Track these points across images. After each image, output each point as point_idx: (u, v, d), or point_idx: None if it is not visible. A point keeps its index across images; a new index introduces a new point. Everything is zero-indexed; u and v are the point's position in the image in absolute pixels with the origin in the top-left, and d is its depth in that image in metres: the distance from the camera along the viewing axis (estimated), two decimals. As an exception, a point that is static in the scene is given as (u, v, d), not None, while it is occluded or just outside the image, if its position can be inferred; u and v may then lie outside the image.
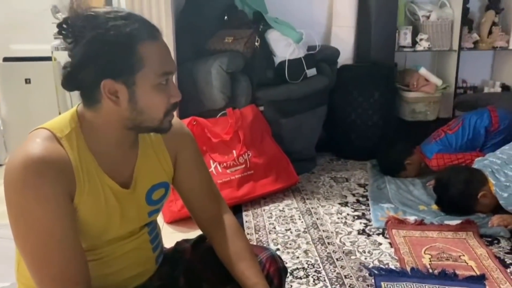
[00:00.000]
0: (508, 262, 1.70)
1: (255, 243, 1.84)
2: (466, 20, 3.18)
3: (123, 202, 0.90)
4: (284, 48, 2.64)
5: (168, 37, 2.37)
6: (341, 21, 3.16)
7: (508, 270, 1.64)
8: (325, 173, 2.71)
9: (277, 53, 2.64)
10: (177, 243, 1.13)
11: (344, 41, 3.12)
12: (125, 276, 0.95)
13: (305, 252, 1.80)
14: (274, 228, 2.02)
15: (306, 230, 1.99)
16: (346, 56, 3.12)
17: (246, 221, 2.08)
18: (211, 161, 2.21)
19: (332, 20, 3.20)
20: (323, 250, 1.81)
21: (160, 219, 1.97)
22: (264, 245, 1.84)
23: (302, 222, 2.07)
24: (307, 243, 1.88)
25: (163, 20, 2.35)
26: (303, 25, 2.86)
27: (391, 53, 3.04)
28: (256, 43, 2.50)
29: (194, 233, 1.15)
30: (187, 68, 2.55)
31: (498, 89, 3.29)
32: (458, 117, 2.65)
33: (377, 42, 3.01)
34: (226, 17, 2.76)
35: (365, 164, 2.84)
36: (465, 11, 3.14)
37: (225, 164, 2.24)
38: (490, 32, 3.21)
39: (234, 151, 2.28)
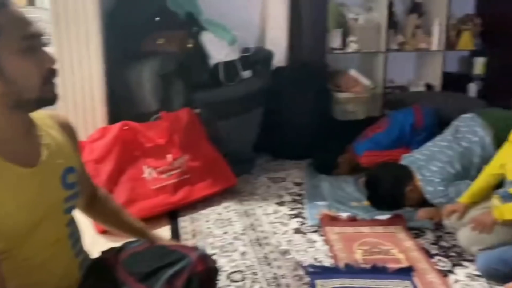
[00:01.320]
0: (432, 253, 1.80)
1: (203, 250, 1.81)
2: (392, 23, 3.34)
3: (32, 183, 0.87)
4: (218, 50, 2.63)
5: (95, 38, 2.28)
6: (274, 23, 3.20)
7: (433, 260, 1.74)
8: (263, 174, 2.73)
9: (212, 55, 2.62)
10: (103, 252, 1.09)
11: (277, 43, 3.16)
12: (46, 285, 0.91)
13: (242, 254, 1.80)
14: (212, 232, 2.00)
15: (244, 232, 1.99)
16: (280, 58, 3.16)
17: (183, 227, 2.05)
18: (145, 167, 2.15)
19: (266, 23, 3.24)
20: (260, 251, 1.82)
21: (91, 230, 1.89)
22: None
23: (240, 224, 2.07)
24: (244, 245, 1.88)
25: (90, 21, 2.25)
26: (238, 27, 2.87)
27: (323, 55, 3.13)
28: (189, 45, 2.47)
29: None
30: (118, 70, 2.47)
31: (423, 88, 3.49)
32: (386, 116, 2.78)
33: (309, 44, 3.08)
34: (158, 19, 2.70)
35: (302, 163, 2.90)
36: (391, 14, 3.30)
37: (160, 169, 2.19)
38: (414, 34, 3.40)
39: (169, 156, 2.23)
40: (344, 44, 3.24)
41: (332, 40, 3.22)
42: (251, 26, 3.26)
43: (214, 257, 1.72)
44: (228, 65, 2.62)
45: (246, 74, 2.73)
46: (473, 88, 3.51)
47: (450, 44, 3.42)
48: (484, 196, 1.85)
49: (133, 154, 2.16)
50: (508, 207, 1.68)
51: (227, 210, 2.23)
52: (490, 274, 1.57)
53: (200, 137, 2.39)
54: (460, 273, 1.65)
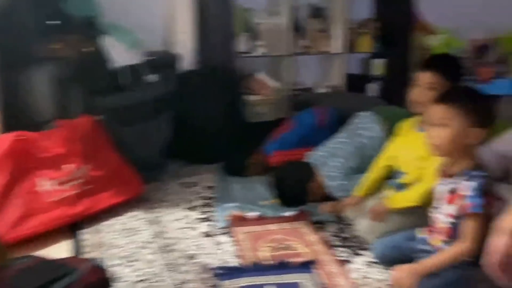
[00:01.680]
0: (334, 244, 1.89)
1: (95, 261, 1.73)
2: (296, 27, 3.47)
3: None
4: (120, 53, 2.55)
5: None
6: (180, 27, 3.18)
7: (334, 251, 1.82)
8: (174, 180, 2.69)
9: (114, 59, 2.53)
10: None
11: (184, 47, 3.15)
12: None
13: (149, 262, 1.76)
14: (117, 242, 1.93)
15: (151, 240, 1.94)
16: (187, 61, 3.15)
17: (86, 239, 1.95)
18: (41, 179, 2.01)
19: (172, 26, 3.21)
20: (167, 258, 1.78)
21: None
22: (105, 261, 1.74)
23: (147, 232, 2.02)
24: (151, 253, 1.83)
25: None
26: (143, 31, 2.80)
27: (231, 59, 3.16)
28: (87, 49, 2.36)
29: None
30: (11, 77, 2.30)
31: (328, 89, 3.65)
32: (292, 116, 2.87)
33: (216, 48, 3.10)
34: (54, 22, 2.56)
35: (214, 167, 2.90)
36: (294, 19, 3.42)
37: (59, 180, 2.06)
38: (317, 38, 3.55)
39: (68, 166, 2.11)
40: (252, 48, 3.30)
41: (240, 44, 3.27)
42: (157, 29, 3.21)
43: (117, 268, 1.68)
44: (132, 69, 2.55)
45: (152, 78, 2.67)
46: (373, 88, 3.74)
47: (351, 47, 3.62)
48: (378, 187, 1.97)
49: (28, 166, 2.01)
50: (399, 196, 1.81)
51: (134, 219, 2.16)
52: (385, 260, 1.67)
53: (103, 145, 2.30)
54: (358, 262, 1.74)
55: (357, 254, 1.80)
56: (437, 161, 1.72)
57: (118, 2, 2.88)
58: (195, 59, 3.24)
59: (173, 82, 2.85)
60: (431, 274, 1.43)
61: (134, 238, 1.96)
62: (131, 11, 3.00)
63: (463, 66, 1.97)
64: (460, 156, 1.45)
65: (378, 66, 3.79)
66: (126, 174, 2.31)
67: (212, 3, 3.08)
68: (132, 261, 1.77)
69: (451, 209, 1.45)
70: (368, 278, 1.63)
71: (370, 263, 1.72)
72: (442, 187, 1.50)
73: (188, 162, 3.01)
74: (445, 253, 1.44)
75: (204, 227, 2.06)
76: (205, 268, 1.69)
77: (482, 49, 3.64)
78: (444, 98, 1.45)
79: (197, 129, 2.94)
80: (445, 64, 1.83)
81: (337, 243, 1.90)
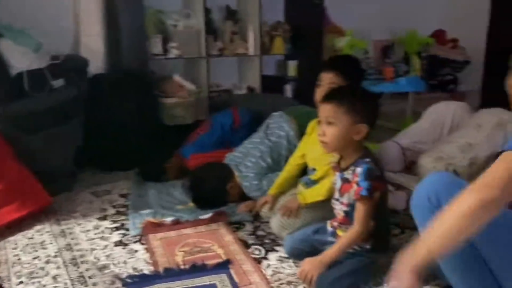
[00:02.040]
0: (250, 242, 1.90)
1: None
2: (211, 29, 3.46)
3: None
4: (20, 58, 2.40)
5: None
6: (89, 29, 3.05)
7: (249, 250, 1.84)
8: (86, 189, 2.57)
9: (13, 64, 2.37)
10: None
11: (94, 50, 3.03)
12: None
13: (54, 278, 1.65)
14: (19, 259, 1.79)
15: (58, 253, 1.83)
16: (98, 65, 3.03)
17: (-17, 259, 1.79)
18: None
19: (80, 29, 3.07)
20: (75, 271, 1.69)
21: None
22: (5, 280, 1.62)
23: (54, 246, 1.90)
24: (57, 267, 1.72)
25: None
26: (48, 34, 2.65)
27: (145, 61, 3.09)
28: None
29: None
30: None
31: (245, 91, 3.69)
32: (208, 119, 2.86)
33: (128, 51, 3.01)
34: None
35: (130, 173, 2.81)
36: (208, 21, 3.42)
37: (-51, 196, 1.88)
38: (232, 40, 3.57)
39: (-39, 180, 1.94)
40: (166, 50, 3.25)
41: (153, 46, 3.20)
42: (65, 32, 3.05)
43: (20, 286, 1.57)
44: (34, 73, 2.40)
45: (58, 83, 2.53)
46: (288, 89, 3.84)
47: (265, 49, 3.68)
48: (291, 185, 2.03)
49: None
50: (309, 192, 1.87)
51: (40, 233, 2.02)
52: (294, 254, 1.72)
53: (2, 156, 2.13)
54: (272, 258, 1.77)
55: (272, 251, 1.83)
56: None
57: (22, 6, 2.71)
58: (106, 62, 3.13)
59: (83, 86, 2.72)
60: (337, 264, 1.50)
61: (39, 253, 1.84)
62: (37, 15, 2.84)
63: (361, 66, 2.09)
64: (349, 151, 1.53)
65: (292, 68, 3.90)
66: (30, 185, 2.16)
67: (121, 5, 2.98)
68: (36, 277, 1.66)
69: (345, 198, 1.53)
70: (281, 273, 1.66)
71: (282, 259, 1.76)
72: (337, 180, 1.58)
73: (102, 170, 2.89)
74: (341, 240, 1.51)
75: (116, 236, 1.98)
76: (115, 278, 1.62)
77: (385, 49, 3.89)
78: (330, 97, 1.53)
79: (110, 135, 2.84)
80: (344, 65, 1.92)
81: (253, 241, 1.92)
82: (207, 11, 3.38)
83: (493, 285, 1.23)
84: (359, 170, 1.46)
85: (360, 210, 1.47)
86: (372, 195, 1.44)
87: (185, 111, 3.25)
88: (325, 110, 1.51)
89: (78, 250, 1.86)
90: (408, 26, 3.99)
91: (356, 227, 1.48)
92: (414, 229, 1.40)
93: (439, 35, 4.22)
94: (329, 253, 1.49)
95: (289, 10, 3.98)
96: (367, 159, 1.49)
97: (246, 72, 3.79)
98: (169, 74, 3.28)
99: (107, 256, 1.81)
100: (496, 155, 1.38)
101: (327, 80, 1.87)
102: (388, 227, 1.72)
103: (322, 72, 1.93)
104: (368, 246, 1.54)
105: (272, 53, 3.76)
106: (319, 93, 1.89)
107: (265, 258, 1.78)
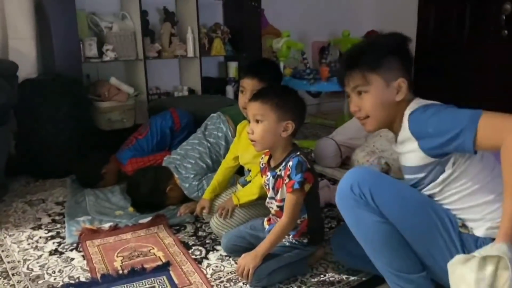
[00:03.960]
0: (191, 244, 1.91)
1: None
2: (148, 31, 3.42)
3: None
4: None
5: None
6: (18, 33, 2.92)
7: (190, 251, 1.84)
8: (18, 199, 2.46)
9: None
10: None
11: (23, 54, 2.91)
12: None
13: (-18, 292, 1.58)
14: None
15: (-13, 267, 1.75)
16: (28, 69, 2.91)
17: None
18: None
19: (7, 32, 2.93)
20: (6, 284, 1.62)
21: None
22: None
23: (-18, 259, 1.81)
24: (-14, 281, 1.65)
25: None
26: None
27: (78, 64, 2.99)
28: None
29: None
30: None
31: (186, 93, 3.68)
32: (146, 122, 2.82)
33: (60, 54, 2.91)
34: None
35: (65, 181, 2.72)
36: (145, 23, 3.38)
37: None
38: (171, 42, 3.55)
39: None
40: (101, 53, 3.17)
41: (88, 49, 3.12)
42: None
43: None
44: (-45, 80, 2.26)
45: (-17, 89, 2.40)
46: (230, 90, 3.87)
47: (204, 51, 3.69)
48: (225, 187, 2.04)
49: None
50: (242, 192, 1.90)
51: (-33, 247, 1.92)
52: (232, 251, 1.74)
53: None
54: (212, 258, 1.78)
55: (213, 250, 1.84)
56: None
57: None
58: (38, 66, 3.01)
59: (11, 92, 2.59)
60: (275, 257, 1.54)
61: (-35, 268, 1.74)
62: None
63: (279, 69, 2.10)
64: (279, 148, 1.58)
65: (232, 69, 3.94)
66: (-46, 197, 2.04)
67: (52, 7, 2.88)
68: (-39, 294, 1.57)
69: (279, 195, 1.58)
70: (221, 271, 1.68)
71: (223, 257, 1.78)
72: (270, 179, 1.62)
73: (36, 178, 2.77)
74: (272, 232, 1.55)
75: (51, 245, 1.92)
76: (50, 288, 1.57)
77: (322, 50, 4.02)
78: (257, 95, 1.57)
79: (43, 141, 2.73)
80: (265, 70, 1.93)
81: (194, 242, 1.92)
82: (143, 13, 3.34)
83: (416, 265, 1.32)
84: (290, 164, 1.51)
85: (290, 202, 1.51)
86: (303, 188, 1.49)
87: (123, 115, 3.19)
88: (253, 108, 1.55)
89: (9, 262, 1.78)
90: (345, 28, 4.15)
91: (284, 219, 1.52)
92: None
93: (371, 36, 4.41)
94: (262, 246, 1.53)
95: (227, 12, 4.02)
96: (298, 153, 1.54)
97: (187, 74, 3.78)
98: (105, 77, 3.20)
99: (41, 266, 1.74)
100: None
101: (249, 86, 1.89)
102: (322, 220, 1.78)
103: (244, 79, 1.92)
104: (305, 241, 1.60)
105: (212, 54, 3.77)
106: (242, 99, 1.92)
107: (205, 258, 1.79)
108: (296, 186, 1.48)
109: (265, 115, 1.52)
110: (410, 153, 1.30)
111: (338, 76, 1.43)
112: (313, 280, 1.60)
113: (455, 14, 3.94)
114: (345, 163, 2.80)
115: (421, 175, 1.30)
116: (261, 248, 1.53)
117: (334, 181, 2.59)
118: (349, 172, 1.35)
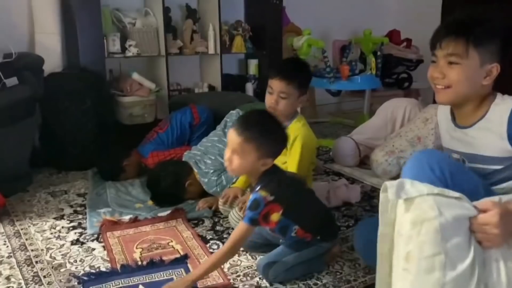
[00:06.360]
0: (208, 238, 1.93)
1: None
2: (170, 28, 3.46)
3: None
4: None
5: None
6: (44, 28, 3.00)
7: (208, 245, 1.87)
8: (42, 190, 2.52)
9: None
10: None
11: (50, 48, 2.98)
12: None
13: (7, 278, 1.63)
14: (-30, 261, 1.76)
15: (11, 254, 1.80)
16: (54, 63, 2.98)
17: None
18: None
19: (34, 27, 3.00)
20: (29, 271, 1.67)
21: None
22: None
23: (7, 247, 1.86)
24: (11, 268, 1.70)
25: None
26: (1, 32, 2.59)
27: (101, 59, 3.05)
28: None
29: None
30: None
31: (206, 89, 3.71)
32: (167, 117, 2.86)
33: (85, 49, 2.97)
34: None
35: (88, 173, 2.78)
36: (167, 19, 3.41)
37: None
38: (192, 39, 3.58)
39: None
40: (124, 48, 3.22)
41: (111, 45, 3.17)
42: (18, 30, 2.99)
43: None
44: (-16, 72, 2.33)
45: (11, 81, 2.47)
46: (250, 87, 3.89)
47: (225, 48, 3.71)
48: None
49: None
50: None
51: (-7, 234, 1.98)
52: (249, 246, 1.76)
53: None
54: (229, 252, 1.80)
55: (229, 245, 1.86)
56: (296, 153, 1.86)
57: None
58: (63, 60, 3.08)
59: (38, 85, 2.66)
60: (293, 253, 1.55)
61: (-9, 254, 1.80)
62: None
63: (310, 71, 2.02)
64: (251, 175, 1.55)
65: (253, 66, 3.95)
66: (-18, 186, 2.11)
67: (77, 3, 2.94)
68: (-13, 279, 1.63)
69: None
70: (238, 265, 1.70)
71: (239, 252, 1.79)
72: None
73: (59, 170, 2.84)
74: (209, 260, 1.53)
75: (73, 235, 1.97)
76: (70, 277, 1.62)
77: (343, 49, 4.00)
78: (242, 131, 1.46)
79: (66, 134, 2.80)
80: (296, 74, 1.88)
81: (211, 236, 1.95)
82: (166, 10, 3.38)
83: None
84: (251, 198, 1.48)
85: (236, 232, 1.47)
86: (254, 224, 1.46)
87: (145, 110, 3.23)
88: (233, 140, 1.47)
89: (33, 250, 1.83)
90: (366, 27, 4.12)
91: (224, 248, 1.48)
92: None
93: (393, 35, 4.36)
94: (195, 273, 1.49)
95: (249, 9, 4.03)
96: (262, 184, 1.49)
97: (207, 70, 3.81)
98: (127, 72, 3.25)
99: (63, 255, 1.79)
100: (441, 147, 1.43)
101: (278, 88, 1.86)
102: (328, 216, 1.73)
103: (274, 79, 1.87)
104: (318, 237, 1.60)
105: (232, 52, 3.79)
106: (270, 99, 1.90)
107: (222, 252, 1.80)
108: (245, 220, 1.45)
109: (245, 152, 1.46)
110: (489, 144, 1.25)
111: (435, 36, 1.33)
112: (329, 277, 1.61)
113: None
114: (364, 162, 2.79)
115: (498, 167, 1.25)
116: (193, 274, 1.49)
117: (353, 180, 2.58)
118: (418, 154, 1.23)
